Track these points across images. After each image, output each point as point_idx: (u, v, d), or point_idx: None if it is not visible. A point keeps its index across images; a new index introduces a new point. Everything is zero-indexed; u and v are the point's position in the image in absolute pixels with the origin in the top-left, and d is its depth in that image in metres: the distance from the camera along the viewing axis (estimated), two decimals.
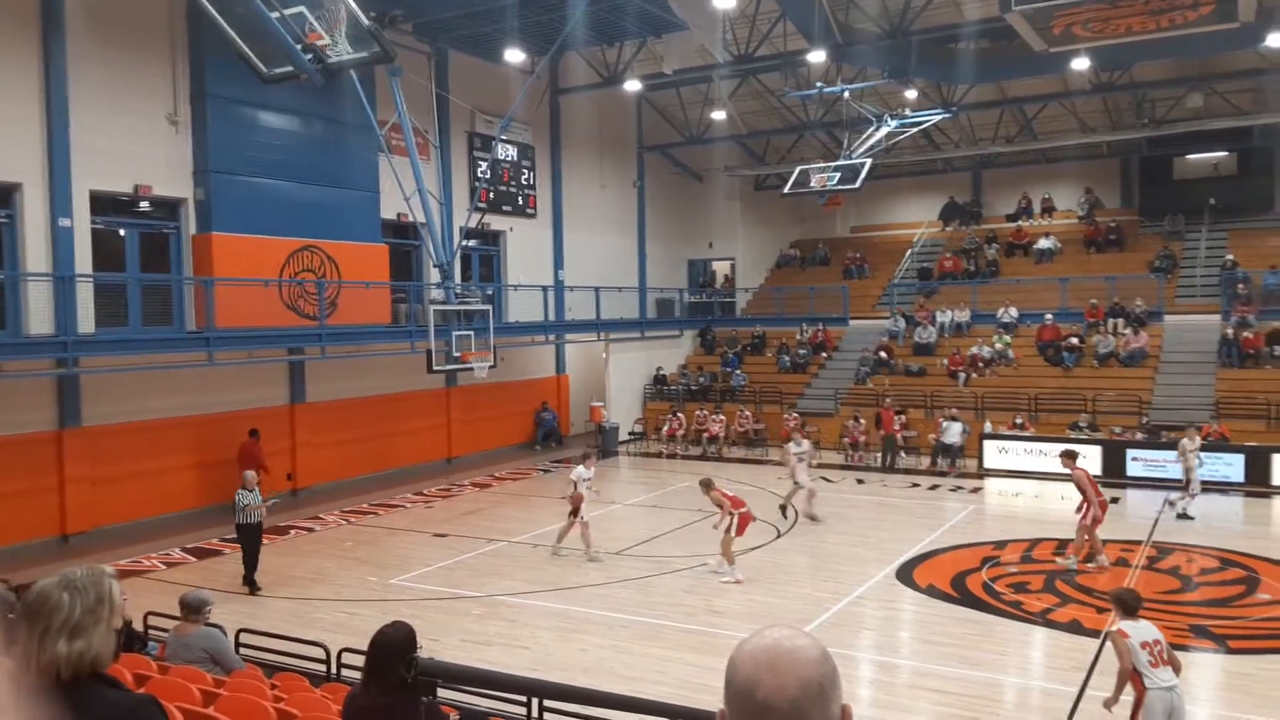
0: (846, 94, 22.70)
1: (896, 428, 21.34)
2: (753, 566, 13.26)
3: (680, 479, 20.87)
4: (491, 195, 23.71)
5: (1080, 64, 20.77)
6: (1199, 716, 8.44)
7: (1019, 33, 18.45)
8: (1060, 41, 19.17)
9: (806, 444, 16.54)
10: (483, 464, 22.24)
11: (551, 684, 6.31)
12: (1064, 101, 25.83)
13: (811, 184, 22.97)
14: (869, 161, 22.34)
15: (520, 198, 24.89)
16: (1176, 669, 6.58)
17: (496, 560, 13.95)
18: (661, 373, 27.71)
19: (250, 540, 12.47)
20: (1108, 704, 6.82)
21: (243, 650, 8.50)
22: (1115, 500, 17.56)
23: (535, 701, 6.73)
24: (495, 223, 23.99)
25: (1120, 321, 23.50)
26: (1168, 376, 21.81)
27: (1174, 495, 16.43)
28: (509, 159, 24.40)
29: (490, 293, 21.56)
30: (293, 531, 15.94)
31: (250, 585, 12.43)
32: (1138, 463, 18.89)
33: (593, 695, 6.98)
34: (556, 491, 19.97)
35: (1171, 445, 18.77)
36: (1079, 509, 12.88)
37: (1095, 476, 18.80)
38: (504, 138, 23.16)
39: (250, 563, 12.49)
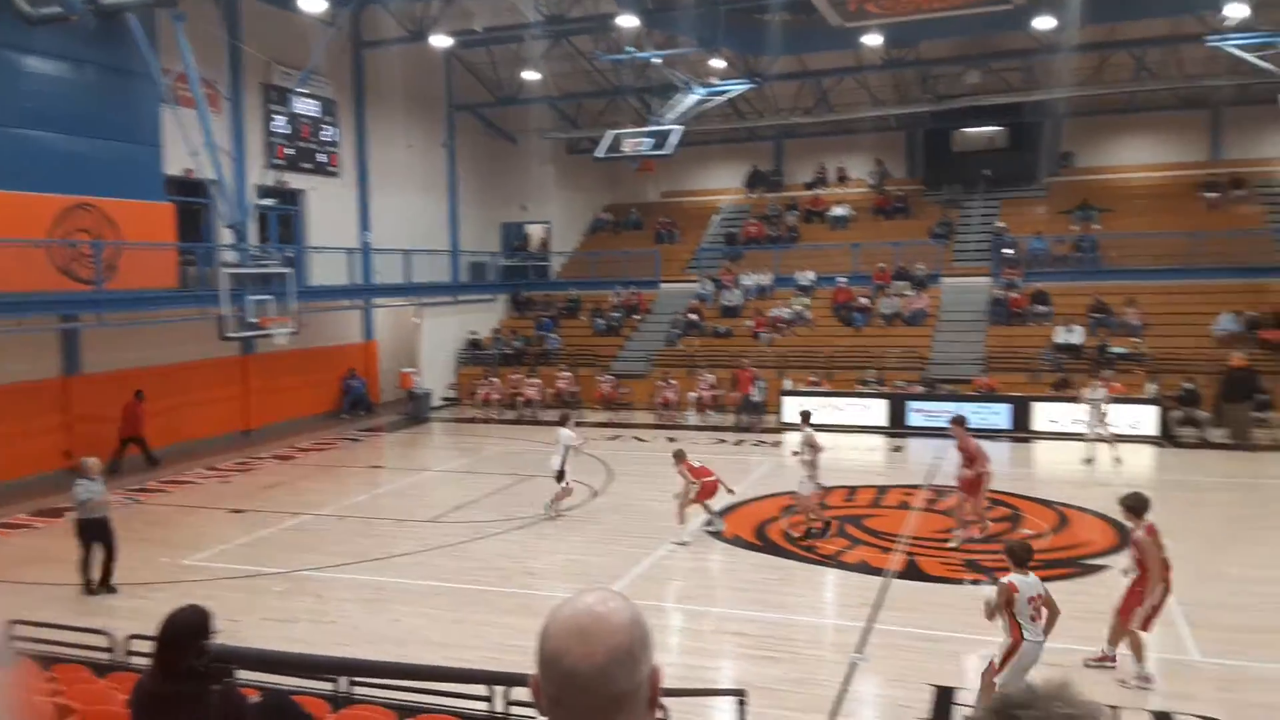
0: (657, 60, 23.01)
1: (752, 389, 22.02)
2: (569, 526, 13.48)
3: (495, 444, 20.83)
4: (290, 152, 22.51)
5: (872, 40, 21.96)
6: (972, 642, 9.35)
7: (818, 7, 19.28)
8: (855, 17, 20.23)
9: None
10: (285, 435, 21.29)
11: (350, 660, 6.22)
12: (857, 76, 27.21)
13: (624, 149, 23.22)
14: (681, 128, 22.78)
15: (322, 155, 23.75)
16: (1051, 620, 6.93)
17: (302, 535, 13.48)
18: (475, 337, 27.41)
19: (97, 537, 10.80)
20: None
21: (21, 645, 7.85)
22: (898, 449, 19.04)
23: (344, 679, 6.61)
24: (295, 181, 22.82)
25: (905, 284, 25.26)
26: (945, 334, 23.69)
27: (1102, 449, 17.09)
28: (309, 114, 23.19)
29: (290, 255, 20.53)
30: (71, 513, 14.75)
31: (106, 589, 10.84)
32: (918, 414, 20.47)
33: (397, 668, 6.95)
34: (365, 461, 19.51)
35: (948, 397, 20.49)
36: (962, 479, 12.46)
37: (880, 428, 20.47)
38: (303, 91, 21.99)
39: (108, 562, 10.85)
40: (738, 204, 31.93)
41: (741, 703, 6.56)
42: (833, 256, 27.11)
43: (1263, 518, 12.87)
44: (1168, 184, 27.72)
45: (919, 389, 21.35)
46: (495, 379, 24.72)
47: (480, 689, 6.54)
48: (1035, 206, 28.44)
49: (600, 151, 23.55)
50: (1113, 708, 7.39)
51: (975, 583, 10.65)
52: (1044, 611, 6.96)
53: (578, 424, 22.29)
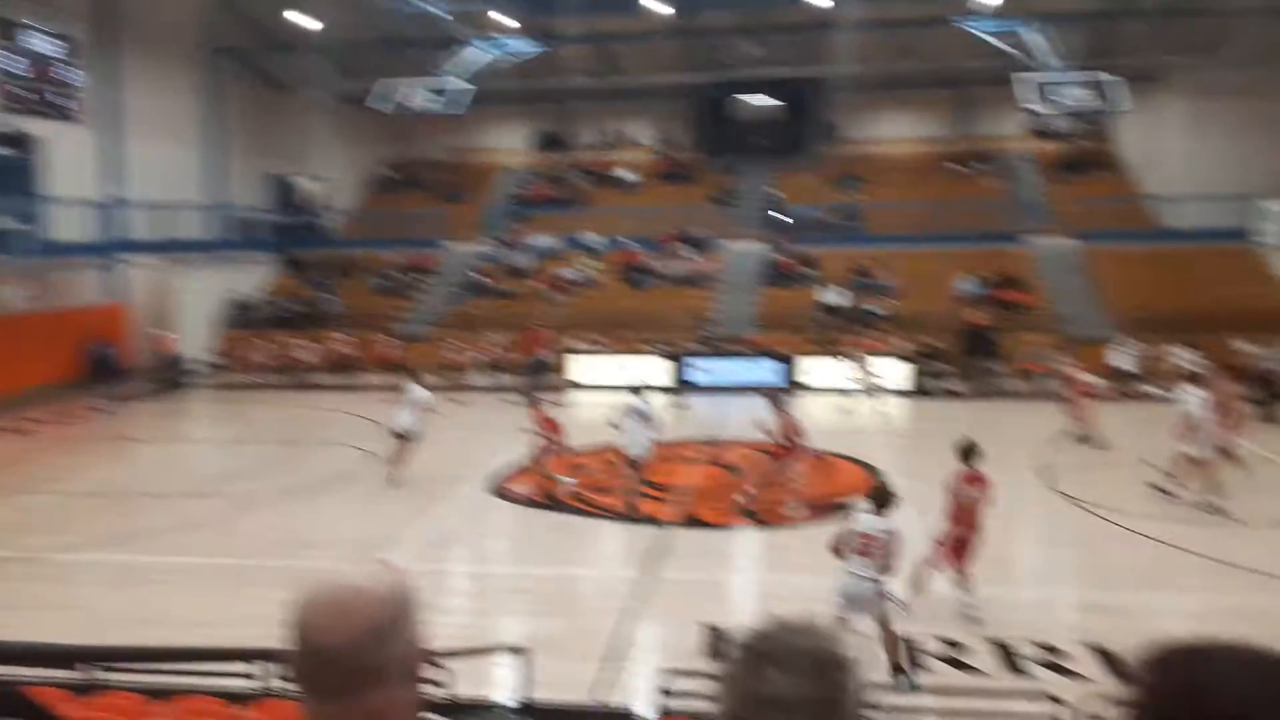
0: (443, 14, 22.26)
1: (541, 350, 21.83)
2: (346, 494, 13.03)
3: (266, 410, 19.74)
4: (23, 94, 20.08)
5: (659, 6, 22.24)
6: (743, 583, 9.89)
7: None
8: None
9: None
10: (18, 407, 19.18)
11: (93, 647, 5.75)
12: (644, 42, 27.55)
13: (409, 104, 22.40)
14: (471, 88, 22.23)
15: (63, 99, 21.35)
16: (883, 565, 7.23)
17: (37, 515, 12.25)
18: (244, 298, 25.74)
19: None
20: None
21: None
22: (681, 406, 19.69)
23: (90, 666, 6.09)
24: (30, 127, 20.41)
25: (688, 247, 26.03)
26: (724, 296, 24.68)
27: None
28: (47, 52, 20.74)
29: (25, 210, 18.42)
30: None
31: None
32: (698, 371, 21.26)
33: (147, 651, 6.50)
34: (115, 433, 17.94)
35: (725, 354, 21.41)
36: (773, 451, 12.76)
37: (664, 386, 21.08)
38: (36, 24, 19.64)
39: None
40: (525, 165, 31.67)
41: (521, 658, 6.62)
42: (619, 220, 27.47)
43: (998, 459, 14.29)
44: (920, 157, 30.05)
45: (700, 348, 22.15)
46: (266, 342, 23.36)
47: (247, 667, 6.25)
48: (805, 175, 30.01)
49: (380, 104, 22.61)
50: (863, 635, 8.04)
51: (754, 519, 11.25)
52: (879, 550, 7.25)
53: (359, 387, 21.67)
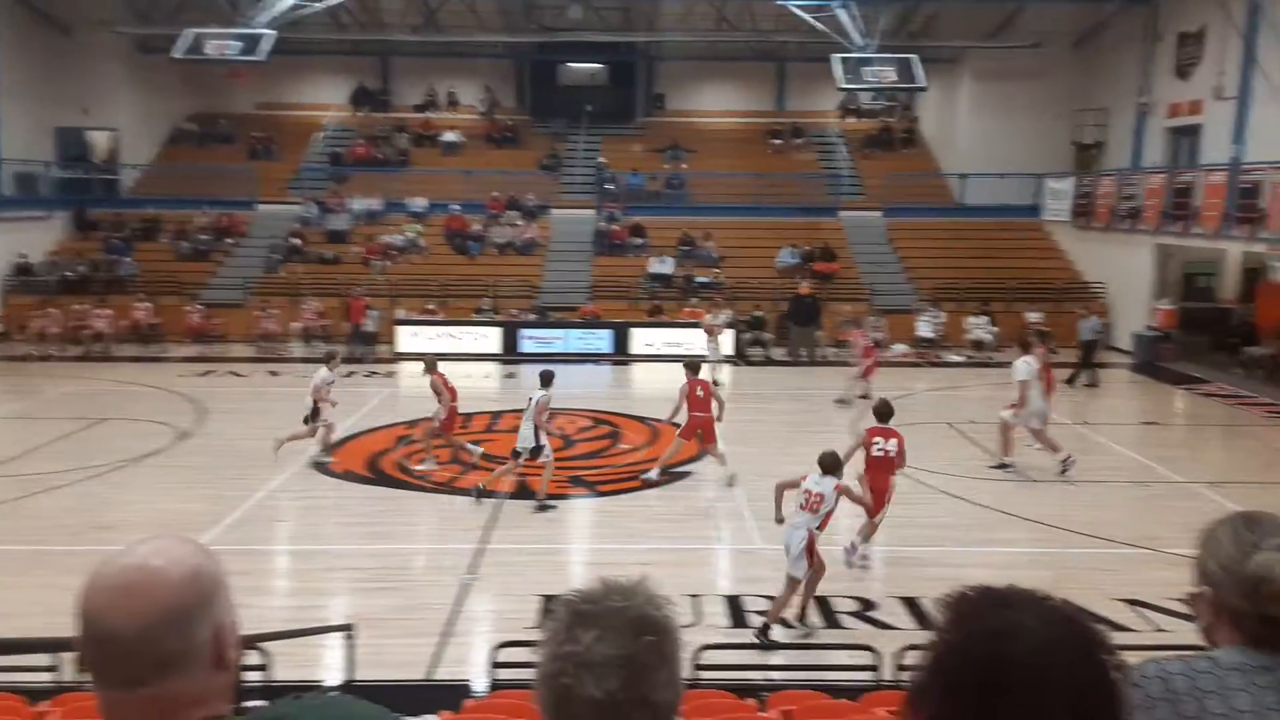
0: None
1: (364, 318, 20.88)
2: (154, 473, 12.20)
3: (57, 384, 18.13)
4: None
5: None
6: (578, 552, 10.00)
7: None
8: None
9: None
10: None
11: None
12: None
13: (208, 51, 20.88)
14: (273, 34, 20.91)
15: None
16: (810, 510, 7.78)
17: None
18: (25, 261, 23.39)
19: None
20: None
21: None
22: (512, 375, 19.57)
23: None
24: None
25: (516, 214, 25.72)
26: (555, 264, 24.59)
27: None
28: None
29: None
30: None
31: None
32: (530, 340, 21.15)
33: None
34: None
35: (557, 324, 21.40)
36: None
37: (495, 354, 20.86)
38: None
39: None
40: (343, 122, 30.25)
41: (349, 637, 6.44)
42: (444, 183, 26.78)
43: (817, 422, 15.05)
44: (742, 129, 30.86)
45: (531, 316, 22.01)
46: (54, 310, 21.38)
47: (44, 659, 5.81)
48: (632, 144, 30.22)
49: (179, 52, 20.99)
50: (693, 596, 8.33)
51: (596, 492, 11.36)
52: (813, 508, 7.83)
53: (164, 359, 20.25)
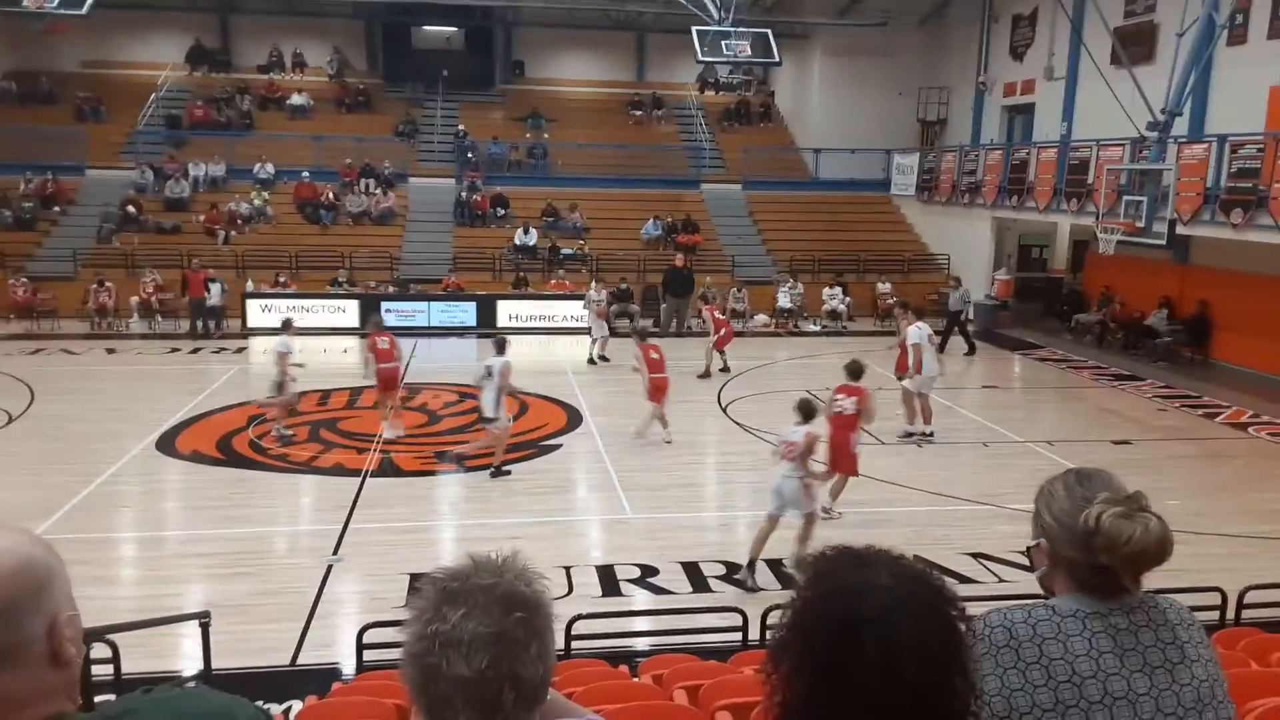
0: None
1: (207, 291, 19.70)
2: None
3: None
4: None
5: None
6: (447, 528, 9.87)
7: None
8: None
9: None
10: None
11: None
12: None
13: (25, 3, 19.22)
14: None
15: None
16: (789, 458, 8.17)
17: None
18: None
19: None
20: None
21: None
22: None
23: None
24: None
25: (371, 182, 24.90)
26: (414, 234, 23.98)
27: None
28: None
29: None
30: None
31: None
32: (390, 313, 20.51)
33: None
34: None
35: (420, 297, 20.91)
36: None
37: (353, 329, 20.18)
38: None
39: None
40: (180, 83, 28.43)
41: (204, 625, 6.18)
42: (292, 148, 25.63)
43: (683, 393, 15.30)
44: (603, 99, 30.78)
45: (391, 289, 21.41)
46: None
47: None
48: (492, 112, 29.71)
49: None
50: (566, 568, 8.39)
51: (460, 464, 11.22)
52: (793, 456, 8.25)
53: None
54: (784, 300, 21.98)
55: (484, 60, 31.13)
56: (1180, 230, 15.86)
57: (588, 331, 18.45)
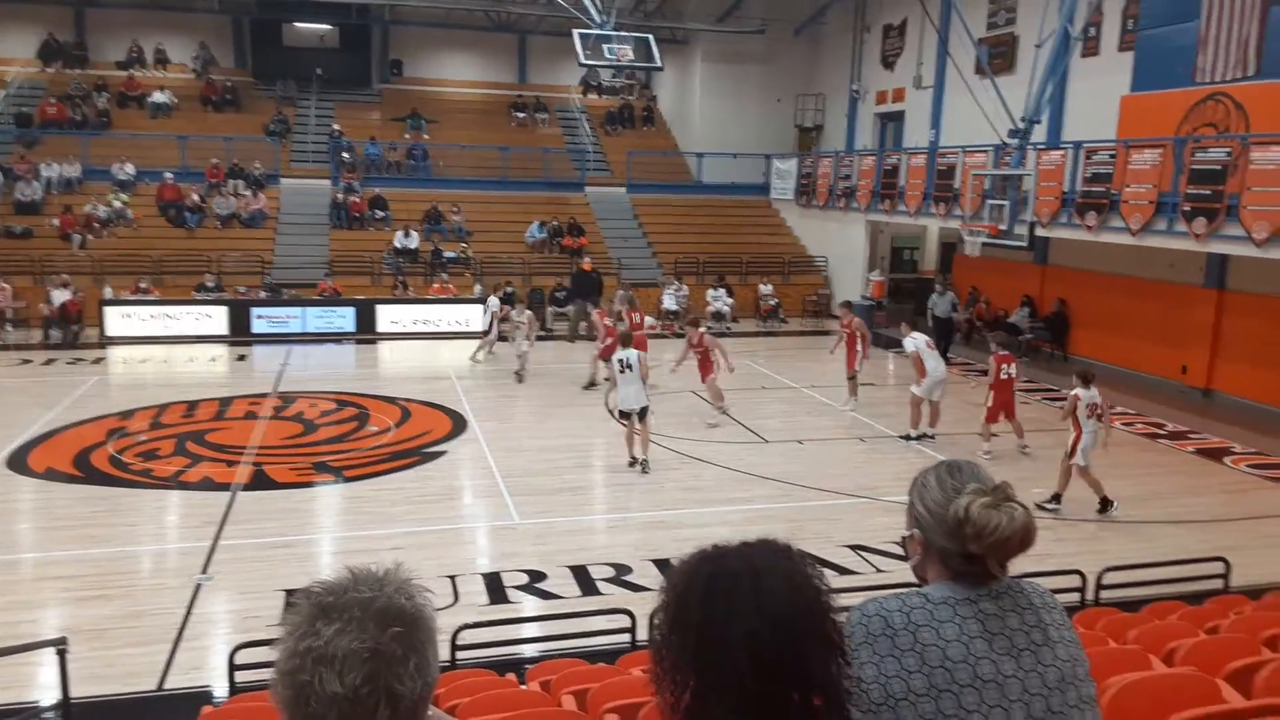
0: None
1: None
2: None
3: None
4: None
5: None
6: (326, 541, 9.53)
7: None
8: None
9: None
10: None
11: None
12: None
13: None
14: None
15: None
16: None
17: None
18: None
19: None
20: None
21: None
22: (243, 358, 18.29)
23: None
24: None
25: (240, 183, 23.91)
26: (287, 237, 23.14)
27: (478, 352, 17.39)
28: None
29: None
30: None
31: None
32: (262, 320, 19.81)
33: None
34: None
35: (293, 302, 20.21)
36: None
37: (222, 336, 19.38)
38: None
39: None
40: (30, 78, 26.71)
41: (61, 652, 5.79)
42: (154, 148, 24.40)
43: (566, 397, 15.24)
44: (485, 101, 30.47)
45: (262, 294, 20.61)
46: None
47: None
48: (369, 112, 29.01)
49: None
50: (451, 577, 8.22)
51: (337, 474, 10.85)
52: (1099, 413, 9.84)
53: None
54: (669, 302, 22.17)
55: (360, 59, 30.38)
56: (1040, 232, 16.72)
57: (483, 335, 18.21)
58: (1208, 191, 13.16)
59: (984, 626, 1.81)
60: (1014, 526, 1.79)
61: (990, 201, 16.93)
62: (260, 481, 10.85)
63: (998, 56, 20.23)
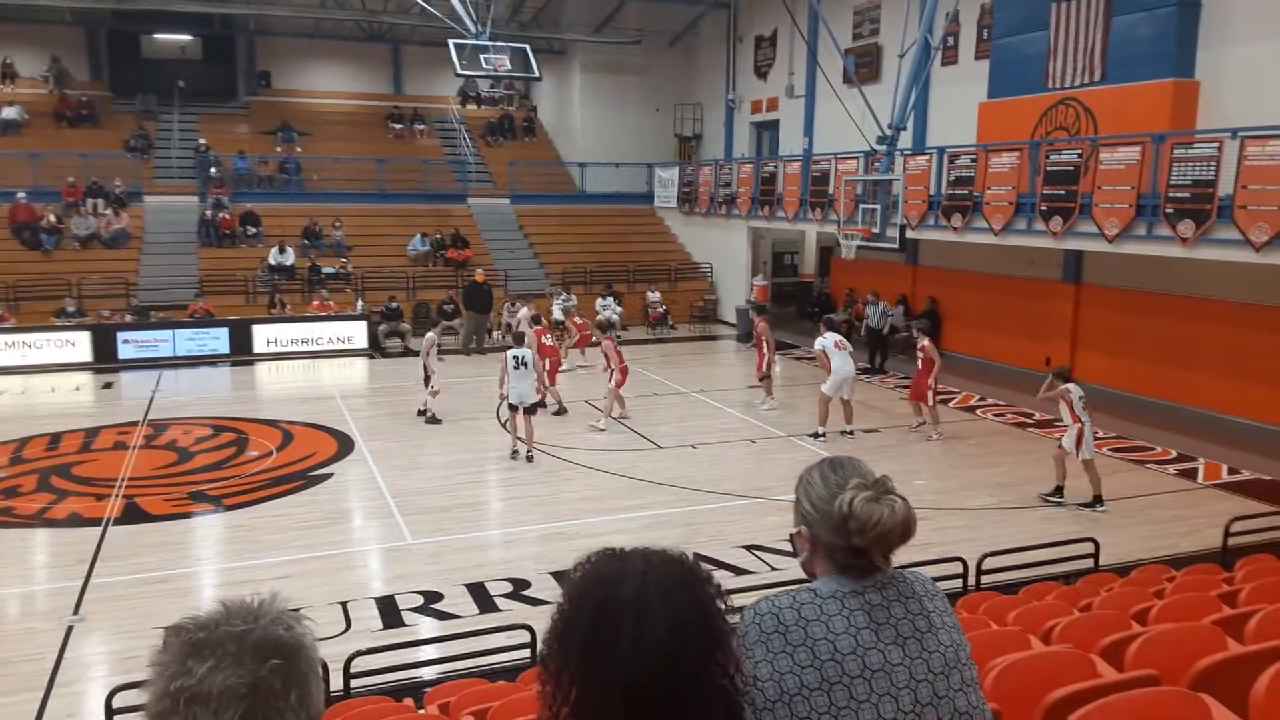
0: None
1: None
2: None
3: None
4: None
5: None
6: (206, 574, 9.12)
7: None
8: None
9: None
10: None
11: None
12: None
13: None
14: None
15: None
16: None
17: None
18: None
19: None
20: None
21: None
22: (109, 385, 17.35)
23: None
24: None
25: (100, 201, 22.69)
26: (152, 257, 22.07)
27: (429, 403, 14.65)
28: None
29: None
30: None
31: None
32: (129, 345, 18.85)
33: None
34: None
35: (162, 325, 19.29)
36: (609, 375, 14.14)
37: (86, 363, 18.36)
38: None
39: None
40: None
41: None
42: (6, 167, 22.92)
43: (458, 412, 14.98)
44: (359, 112, 29.81)
45: (129, 317, 19.61)
46: None
47: None
48: (237, 125, 28.01)
49: None
50: (342, 603, 7.99)
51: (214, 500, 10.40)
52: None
53: None
54: (558, 312, 22.10)
55: (225, 70, 29.27)
56: (910, 234, 17.39)
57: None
58: (1062, 192, 13.96)
59: (871, 618, 1.88)
60: (895, 519, 1.86)
61: (863, 206, 17.52)
62: (133, 515, 10.32)
63: (864, 66, 20.98)
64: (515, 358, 12.18)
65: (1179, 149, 12.22)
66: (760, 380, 15.42)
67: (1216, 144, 11.81)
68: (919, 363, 13.55)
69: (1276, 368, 13.42)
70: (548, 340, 15.53)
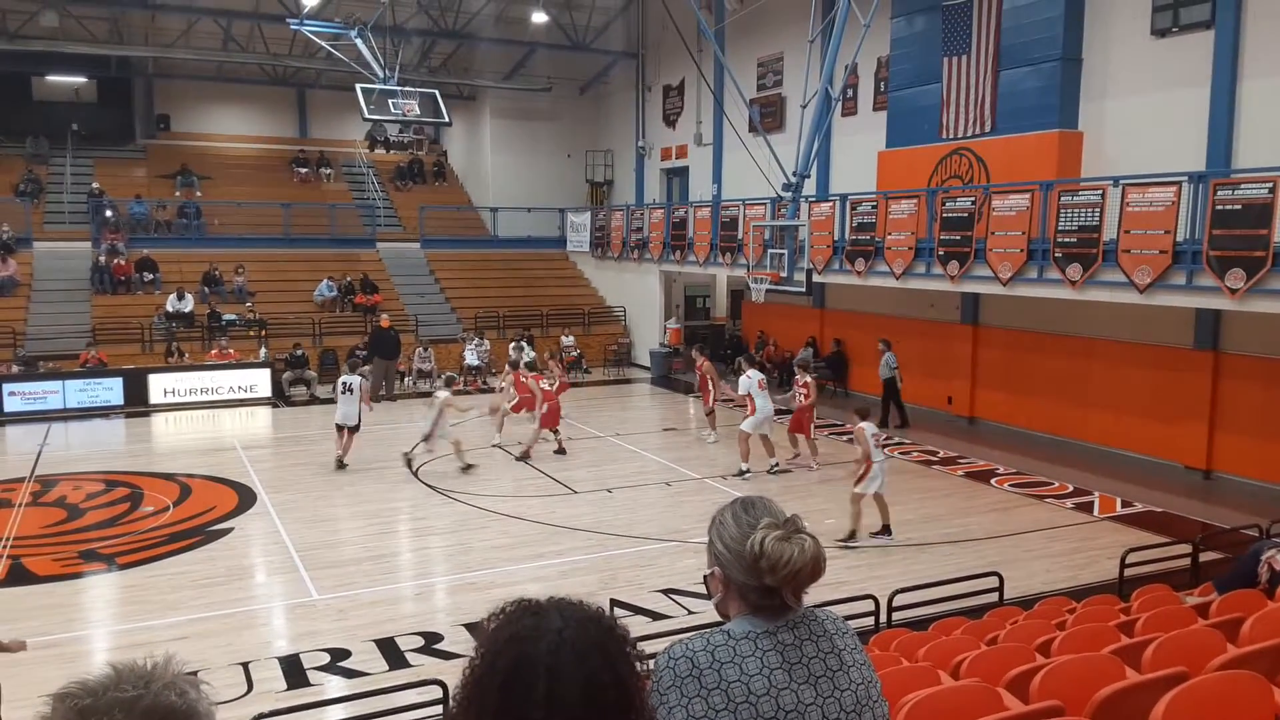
0: None
1: None
2: None
3: None
4: None
5: None
6: (97, 638, 8.62)
7: None
8: None
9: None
10: None
11: None
12: None
13: None
14: None
15: None
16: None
17: None
18: None
19: None
20: None
21: None
22: None
23: None
24: None
25: None
26: (42, 305, 21.11)
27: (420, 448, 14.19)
28: None
29: None
30: None
31: None
32: (15, 397, 17.92)
33: None
34: None
35: (52, 375, 18.40)
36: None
37: None
38: None
39: None
40: None
41: None
42: None
43: (364, 461, 14.60)
44: (263, 156, 29.27)
45: (16, 369, 18.64)
46: None
47: None
48: (134, 169, 27.19)
49: None
50: (244, 664, 7.64)
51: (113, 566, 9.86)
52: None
53: None
54: (471, 357, 21.89)
55: (121, 113, 28.43)
56: (816, 278, 17.79)
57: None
58: (958, 237, 14.51)
59: (784, 657, 1.88)
60: (805, 558, 1.88)
61: (771, 250, 17.88)
62: (18, 576, 9.73)
63: (768, 116, 21.57)
64: (344, 384, 14.12)
65: (1065, 196, 12.86)
66: (707, 415, 16.19)
67: (1100, 191, 12.48)
68: (801, 397, 14.10)
69: (1160, 403, 14.12)
70: (545, 385, 15.22)
